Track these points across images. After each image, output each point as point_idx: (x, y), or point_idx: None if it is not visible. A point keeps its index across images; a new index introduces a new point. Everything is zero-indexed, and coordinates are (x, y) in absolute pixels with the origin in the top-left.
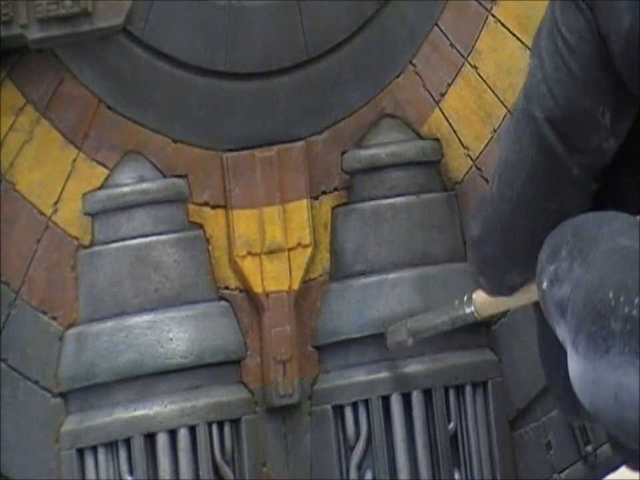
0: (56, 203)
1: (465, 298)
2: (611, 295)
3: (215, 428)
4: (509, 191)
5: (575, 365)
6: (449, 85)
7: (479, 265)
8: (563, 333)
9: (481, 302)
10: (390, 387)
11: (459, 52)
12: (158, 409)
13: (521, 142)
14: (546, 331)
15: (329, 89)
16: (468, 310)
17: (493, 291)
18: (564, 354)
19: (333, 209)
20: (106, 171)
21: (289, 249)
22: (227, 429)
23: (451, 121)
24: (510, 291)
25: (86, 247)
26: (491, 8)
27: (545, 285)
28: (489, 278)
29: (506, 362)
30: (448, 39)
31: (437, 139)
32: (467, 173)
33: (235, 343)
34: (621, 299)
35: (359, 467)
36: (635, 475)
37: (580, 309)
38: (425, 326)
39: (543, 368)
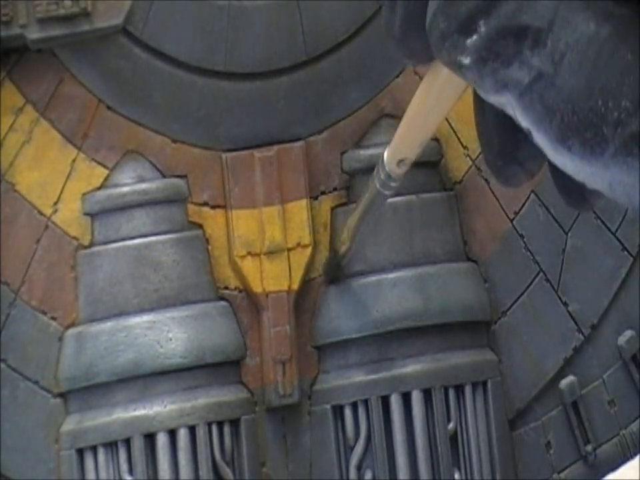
0: (55, 203)
1: (376, 169)
2: (600, 102)
3: (214, 428)
4: None
5: (569, 162)
6: None
7: (406, 54)
8: (531, 120)
9: (392, 148)
10: (389, 387)
11: None
12: (158, 408)
13: None
14: (480, 102)
15: (328, 89)
16: (382, 174)
17: (400, 51)
18: (498, 119)
19: (332, 209)
20: (105, 171)
21: (289, 249)
22: (226, 428)
23: (450, 120)
24: (419, 52)
25: (86, 247)
26: None
27: (465, 59)
28: (418, 62)
29: (506, 362)
30: None
31: (437, 139)
32: (467, 172)
33: (234, 342)
34: (609, 103)
35: (359, 467)
36: (635, 474)
37: (569, 115)
38: (352, 224)
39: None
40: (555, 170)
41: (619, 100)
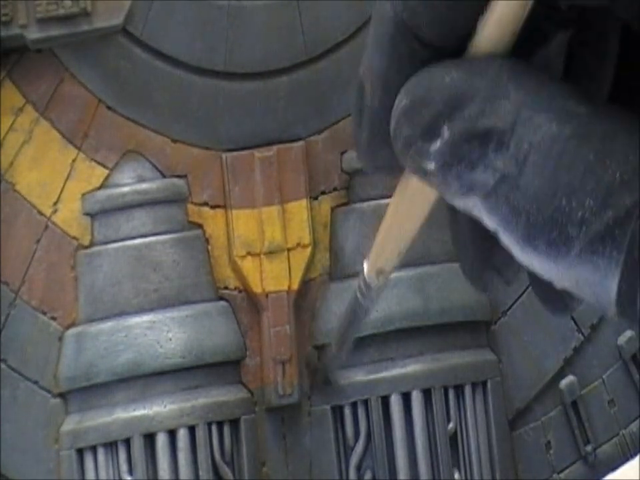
0: (55, 203)
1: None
2: (564, 201)
3: (214, 428)
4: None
5: (536, 261)
6: None
7: (372, 167)
8: (497, 221)
9: (371, 258)
10: (389, 387)
11: None
12: (157, 408)
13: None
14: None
15: (328, 89)
16: (362, 284)
17: (368, 165)
18: (470, 227)
19: (332, 209)
20: (105, 171)
21: (289, 249)
22: (226, 428)
23: None
24: (385, 164)
25: (85, 247)
26: None
27: (430, 165)
28: (386, 174)
29: (506, 362)
30: None
31: None
32: None
33: (234, 342)
34: (573, 203)
35: (359, 467)
36: (635, 475)
37: (535, 214)
38: (338, 334)
39: (453, 242)
40: (533, 277)
41: (583, 199)
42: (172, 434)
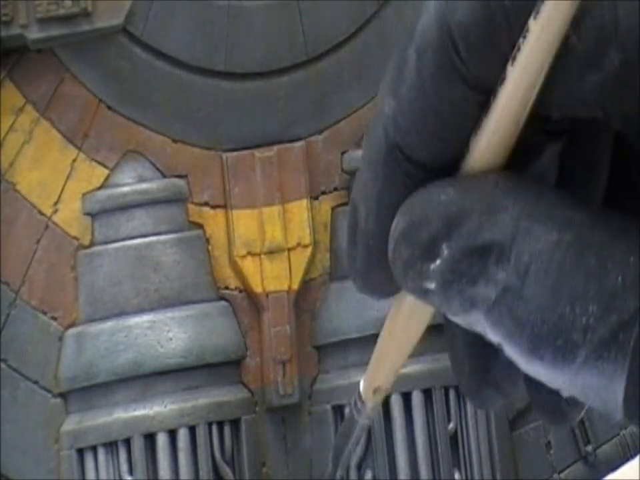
0: (56, 203)
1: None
2: (567, 309)
3: (214, 428)
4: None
5: (542, 371)
6: None
7: (368, 290)
8: (501, 335)
9: (367, 377)
10: None
11: None
12: (158, 409)
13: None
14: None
15: (328, 89)
16: (358, 403)
17: (364, 288)
18: (466, 341)
19: (332, 208)
20: (106, 171)
21: (289, 249)
22: (226, 428)
23: None
24: (380, 287)
25: (86, 247)
26: None
27: (430, 285)
28: (382, 297)
29: None
30: None
31: None
32: None
33: (234, 342)
34: (577, 310)
35: (359, 467)
36: (635, 475)
37: (539, 325)
38: (334, 452)
39: (451, 360)
40: (531, 390)
41: (586, 305)
42: (172, 434)
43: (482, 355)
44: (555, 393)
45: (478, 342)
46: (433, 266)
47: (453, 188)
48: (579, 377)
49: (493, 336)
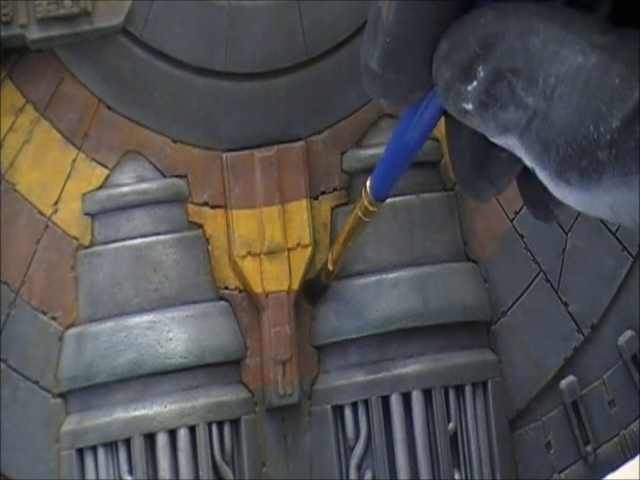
0: (56, 203)
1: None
2: (591, 128)
3: (214, 428)
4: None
5: (569, 194)
6: None
7: (381, 90)
8: (532, 159)
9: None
10: (389, 387)
11: None
12: (158, 408)
13: None
14: (452, 126)
15: (329, 89)
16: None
17: (378, 90)
18: (470, 143)
19: (332, 208)
20: (106, 171)
21: (289, 249)
22: (226, 428)
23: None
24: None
25: (86, 247)
26: None
27: (468, 105)
28: (394, 100)
29: (506, 362)
30: None
31: (437, 139)
32: None
33: (234, 342)
34: (601, 128)
35: (359, 467)
36: (635, 475)
37: (564, 147)
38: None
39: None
40: (521, 184)
41: (610, 122)
42: (172, 434)
43: (483, 152)
44: (545, 192)
45: (483, 140)
46: (470, 87)
47: (491, 12)
48: (607, 196)
49: (527, 161)
